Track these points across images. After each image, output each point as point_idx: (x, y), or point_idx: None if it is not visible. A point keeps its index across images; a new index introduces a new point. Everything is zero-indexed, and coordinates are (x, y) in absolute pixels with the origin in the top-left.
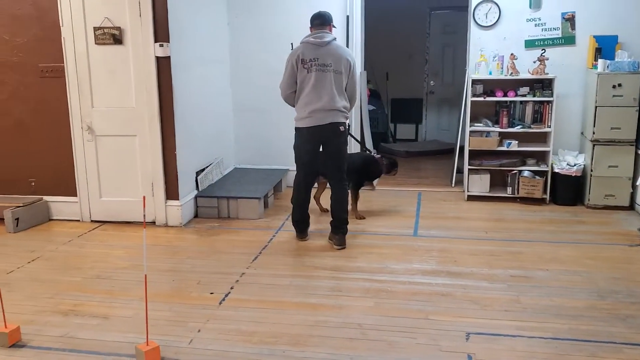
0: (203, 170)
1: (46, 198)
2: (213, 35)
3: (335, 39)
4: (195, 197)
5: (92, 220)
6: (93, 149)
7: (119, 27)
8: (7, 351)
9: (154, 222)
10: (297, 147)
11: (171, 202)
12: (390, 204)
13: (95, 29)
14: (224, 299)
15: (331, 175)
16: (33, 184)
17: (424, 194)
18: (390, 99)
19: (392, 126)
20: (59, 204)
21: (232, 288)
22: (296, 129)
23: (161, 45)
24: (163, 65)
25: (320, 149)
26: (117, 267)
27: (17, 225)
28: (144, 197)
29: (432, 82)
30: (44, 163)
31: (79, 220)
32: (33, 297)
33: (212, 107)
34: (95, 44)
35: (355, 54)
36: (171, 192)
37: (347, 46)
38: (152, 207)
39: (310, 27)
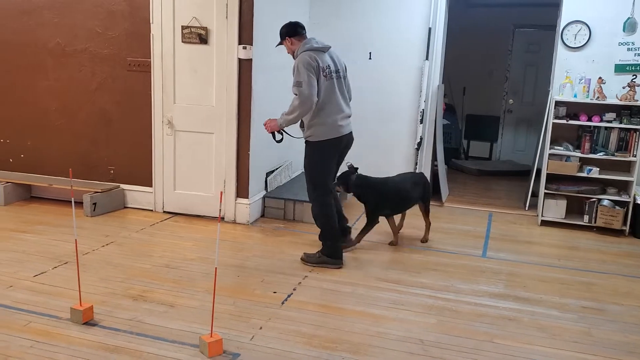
0: (273, 171)
1: (123, 186)
2: None
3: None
4: (264, 197)
5: (164, 211)
6: (171, 143)
7: (206, 27)
8: (80, 328)
9: (222, 218)
10: (323, 162)
11: (241, 200)
12: (458, 222)
13: (183, 27)
14: (286, 300)
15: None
16: (112, 171)
17: (495, 215)
18: (465, 115)
19: (465, 143)
20: (135, 193)
21: (294, 290)
22: (319, 142)
23: (244, 48)
24: (244, 67)
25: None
26: (185, 258)
27: (94, 210)
28: (221, 193)
29: (511, 100)
30: (124, 153)
31: (152, 210)
32: (106, 279)
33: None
34: (182, 42)
35: (434, 67)
36: (242, 190)
37: (427, 58)
38: (222, 203)
39: (297, 37)
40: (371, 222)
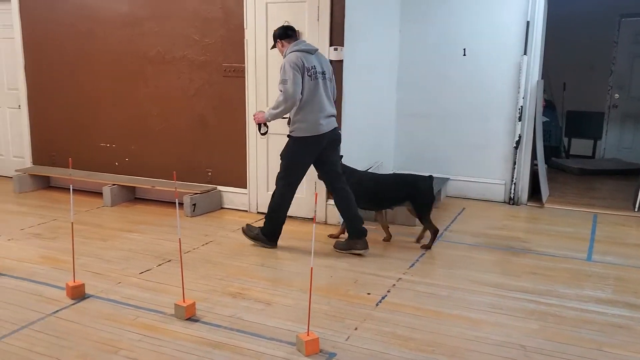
0: None
1: (220, 188)
2: (384, 40)
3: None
4: None
5: (258, 212)
6: (264, 146)
7: (297, 31)
8: (183, 323)
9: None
10: (300, 158)
11: (332, 202)
12: (560, 224)
13: None
14: (380, 301)
15: (337, 178)
16: (210, 174)
17: (600, 217)
18: (565, 111)
19: (565, 140)
20: (230, 194)
21: (388, 291)
22: (300, 138)
23: (335, 49)
24: (335, 69)
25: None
26: (279, 257)
27: (193, 210)
28: (316, 194)
29: (616, 95)
30: (220, 156)
31: (246, 211)
32: (206, 277)
33: (376, 111)
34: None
35: (534, 62)
36: None
37: (525, 53)
38: (313, 204)
39: (287, 40)
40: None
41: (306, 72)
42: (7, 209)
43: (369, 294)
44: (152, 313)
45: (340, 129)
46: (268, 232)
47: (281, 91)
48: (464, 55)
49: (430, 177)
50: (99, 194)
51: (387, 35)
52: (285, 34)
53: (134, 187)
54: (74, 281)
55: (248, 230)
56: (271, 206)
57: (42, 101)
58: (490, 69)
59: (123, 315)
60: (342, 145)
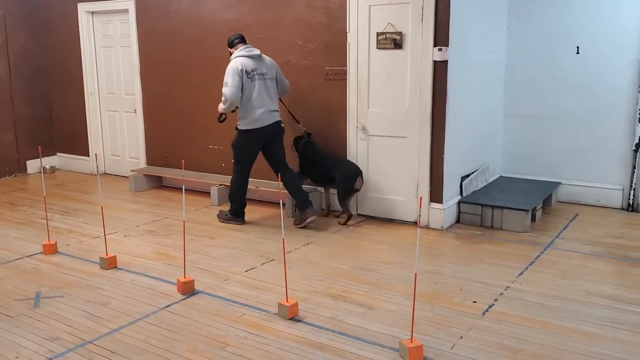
0: (468, 176)
1: (320, 189)
2: (490, 39)
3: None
4: (459, 203)
5: (358, 214)
6: (365, 147)
7: (400, 32)
8: (286, 322)
9: (415, 223)
10: (244, 147)
11: (434, 205)
12: None
13: (378, 34)
14: (487, 310)
15: (279, 165)
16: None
17: None
18: None
19: None
20: (331, 196)
21: (495, 300)
22: (243, 131)
23: (440, 50)
24: (440, 69)
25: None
26: (380, 261)
27: (294, 211)
28: (420, 198)
29: None
30: None
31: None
32: (308, 277)
33: (482, 112)
34: (377, 48)
35: None
36: (435, 195)
37: None
38: (415, 208)
39: (233, 48)
40: (301, 175)
41: (245, 75)
42: (124, 207)
43: (474, 302)
44: (257, 311)
45: (444, 131)
46: (234, 211)
47: (223, 92)
48: (577, 53)
49: (357, 171)
50: (207, 193)
51: (493, 34)
52: (232, 43)
53: None
54: (185, 277)
55: (220, 215)
56: (231, 190)
57: (155, 106)
58: (607, 67)
59: (230, 312)
60: (447, 145)
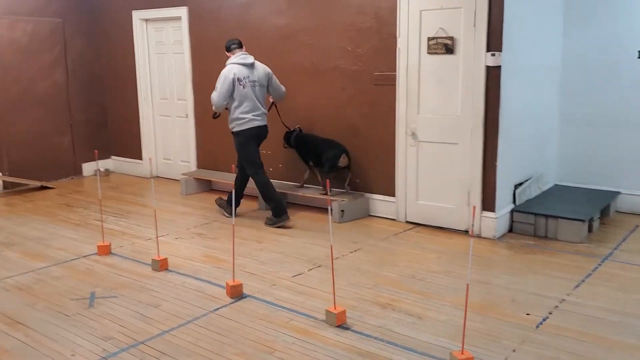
0: (521, 184)
1: (368, 195)
2: (545, 43)
3: (254, 59)
4: (511, 212)
5: (406, 221)
6: (414, 154)
7: (452, 37)
8: (334, 330)
9: (466, 232)
10: (247, 146)
11: (486, 214)
12: None
13: (429, 39)
14: (541, 323)
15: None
16: (358, 181)
17: None
18: None
19: None
20: (378, 202)
21: (550, 313)
22: (239, 132)
23: (493, 55)
24: (492, 75)
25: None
26: (430, 270)
27: (342, 217)
28: (474, 207)
29: None
30: (369, 163)
31: (394, 220)
32: (355, 285)
33: (536, 118)
34: (427, 53)
35: None
36: (487, 203)
37: None
38: (465, 216)
39: (229, 52)
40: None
41: (238, 82)
42: (175, 210)
43: (528, 314)
44: (305, 317)
45: (497, 137)
46: (277, 210)
47: (212, 96)
48: (639, 57)
49: (342, 149)
50: (254, 197)
51: (548, 38)
52: (228, 48)
53: (287, 192)
54: (233, 281)
55: (268, 221)
56: (261, 192)
57: (207, 111)
58: None
59: (277, 317)
60: (500, 151)
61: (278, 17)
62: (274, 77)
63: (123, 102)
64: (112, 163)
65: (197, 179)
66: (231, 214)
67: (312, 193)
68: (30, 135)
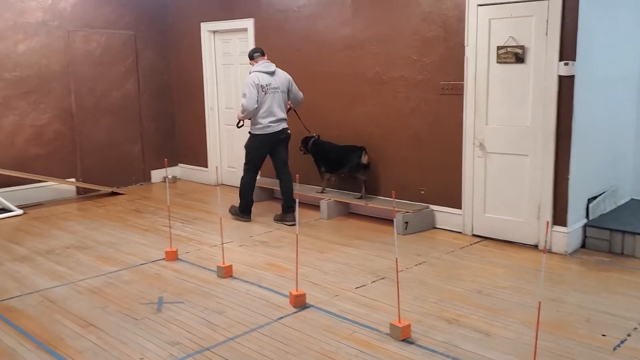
0: (595, 197)
1: (432, 207)
2: (622, 52)
3: (275, 67)
4: (584, 226)
5: (473, 234)
6: (482, 165)
7: (523, 46)
8: (398, 344)
9: (535, 246)
10: (255, 148)
11: (557, 228)
12: None
13: (499, 48)
14: (619, 345)
15: (282, 165)
16: (422, 192)
17: None
18: None
19: None
20: (443, 214)
21: (629, 335)
22: (255, 135)
23: (566, 64)
24: (565, 85)
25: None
26: (497, 285)
27: (405, 229)
28: (547, 223)
29: None
30: (434, 174)
31: (460, 233)
32: (420, 298)
33: (611, 130)
34: (496, 62)
35: None
36: (559, 217)
37: None
38: (535, 230)
39: (253, 60)
40: (319, 174)
41: (260, 89)
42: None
43: (604, 335)
44: (368, 330)
45: (570, 149)
46: (243, 208)
47: (242, 102)
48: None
49: (361, 148)
50: (316, 206)
51: (625, 47)
52: (252, 56)
53: (349, 202)
54: (297, 290)
55: (231, 209)
56: (240, 187)
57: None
58: None
59: (341, 329)
60: (573, 164)
61: (343, 27)
62: (294, 84)
63: (190, 111)
64: (179, 170)
65: (261, 187)
66: (293, 221)
67: (375, 204)
68: (102, 143)
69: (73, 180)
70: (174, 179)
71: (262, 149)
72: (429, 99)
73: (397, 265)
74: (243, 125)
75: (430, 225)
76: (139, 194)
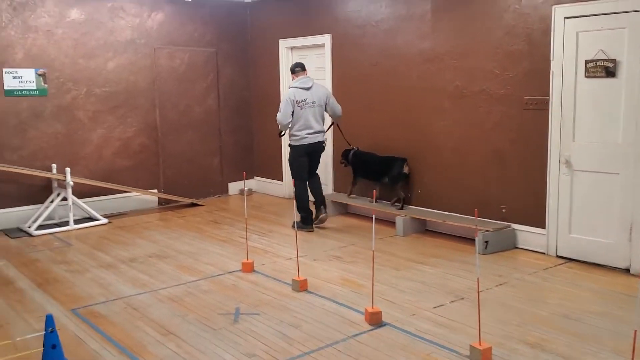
0: None
1: (514, 226)
2: None
3: (314, 82)
4: None
5: (557, 255)
6: (568, 183)
7: (614, 59)
8: None
9: (627, 270)
10: (296, 160)
11: None
12: None
13: (587, 61)
14: None
15: (312, 171)
16: (504, 210)
17: None
18: None
19: None
20: (526, 234)
21: None
22: (294, 146)
23: None
24: None
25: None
26: (585, 310)
27: (485, 248)
28: None
29: None
30: (516, 192)
31: (544, 253)
32: (501, 320)
33: None
34: (585, 77)
35: None
36: None
37: None
38: (626, 253)
39: (293, 74)
40: (352, 182)
41: (297, 104)
42: (318, 232)
43: None
44: (446, 351)
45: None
46: (303, 219)
47: (277, 117)
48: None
49: (403, 159)
50: (391, 223)
51: None
52: (293, 71)
53: (425, 219)
54: (372, 307)
55: (294, 225)
56: (296, 199)
57: (347, 135)
58: None
59: (418, 349)
60: None
61: (422, 41)
62: (332, 98)
63: (267, 126)
64: (255, 183)
65: (334, 202)
66: (312, 227)
67: (455, 221)
68: (183, 156)
69: (155, 191)
70: (250, 192)
71: (302, 158)
72: (512, 114)
73: (478, 285)
74: (284, 134)
75: (511, 244)
76: (217, 205)
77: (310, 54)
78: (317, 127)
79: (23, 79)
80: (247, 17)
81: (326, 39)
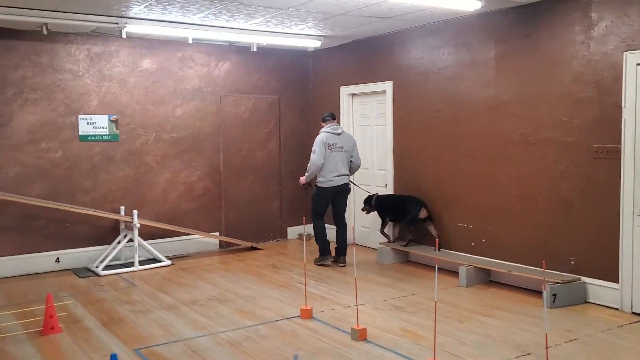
0: None
1: (584, 279)
2: None
3: (343, 130)
4: None
5: (632, 312)
6: None
7: None
8: None
9: None
10: (319, 199)
11: None
12: None
13: None
14: None
15: (340, 214)
16: (572, 262)
17: None
18: None
19: None
20: (597, 288)
21: None
22: (321, 187)
23: None
24: None
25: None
26: None
27: (553, 302)
28: None
29: None
30: (586, 243)
31: (617, 309)
32: None
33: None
34: None
35: None
36: None
37: None
38: None
39: (324, 123)
40: (382, 224)
41: (327, 147)
42: (372, 279)
43: None
44: None
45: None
46: (321, 251)
47: (311, 158)
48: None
49: (421, 203)
50: (453, 272)
51: None
52: (324, 120)
53: (490, 269)
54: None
55: (316, 261)
56: (315, 233)
57: (406, 181)
58: None
59: None
60: None
61: (485, 88)
62: (357, 148)
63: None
64: (311, 228)
65: (394, 250)
66: (330, 255)
67: (521, 272)
68: (244, 199)
69: (217, 234)
70: (309, 237)
71: (326, 200)
72: (581, 162)
73: (547, 340)
74: (309, 187)
75: (581, 299)
76: (275, 249)
77: (371, 100)
78: (344, 171)
79: (97, 125)
80: (310, 65)
81: (387, 86)
